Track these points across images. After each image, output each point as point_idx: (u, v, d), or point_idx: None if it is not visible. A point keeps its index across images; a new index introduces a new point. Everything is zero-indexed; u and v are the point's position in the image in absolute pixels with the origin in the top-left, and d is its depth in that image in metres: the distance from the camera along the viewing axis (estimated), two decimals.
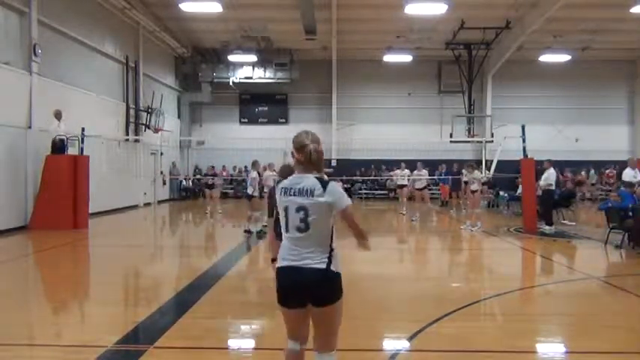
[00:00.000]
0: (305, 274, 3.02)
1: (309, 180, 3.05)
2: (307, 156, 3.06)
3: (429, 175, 17.97)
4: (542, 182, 13.30)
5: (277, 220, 3.26)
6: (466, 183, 14.92)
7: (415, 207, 16.78)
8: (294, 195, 3.05)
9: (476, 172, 14.28)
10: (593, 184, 23.86)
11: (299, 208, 3.03)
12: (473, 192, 13.98)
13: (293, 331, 3.24)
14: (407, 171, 17.76)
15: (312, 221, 3.02)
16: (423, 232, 14.31)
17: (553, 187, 13.35)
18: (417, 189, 16.75)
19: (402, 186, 17.58)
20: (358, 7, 19.84)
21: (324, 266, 3.03)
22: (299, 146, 3.09)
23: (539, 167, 13.57)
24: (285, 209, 3.09)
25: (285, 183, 3.13)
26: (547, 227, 12.87)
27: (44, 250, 10.61)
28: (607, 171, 24.11)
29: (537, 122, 22.44)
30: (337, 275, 3.08)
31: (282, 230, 3.16)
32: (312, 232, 3.03)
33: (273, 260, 3.49)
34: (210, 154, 25.09)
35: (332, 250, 3.08)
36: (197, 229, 15.48)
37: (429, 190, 18.40)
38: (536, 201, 13.39)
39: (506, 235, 12.60)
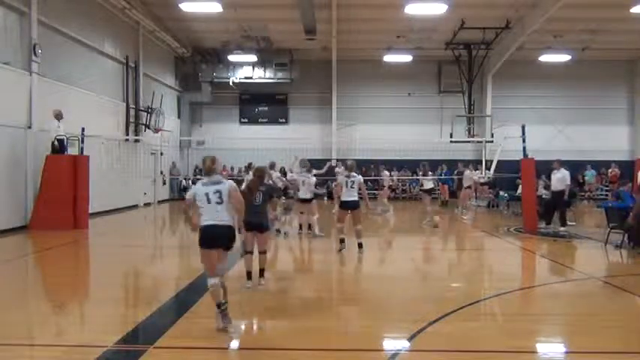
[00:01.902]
0: (221, 227, 5.29)
1: (219, 178, 5.45)
2: (209, 170, 5.46)
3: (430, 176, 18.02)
4: (556, 182, 12.84)
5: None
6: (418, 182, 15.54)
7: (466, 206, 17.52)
8: (213, 185, 5.35)
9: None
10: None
11: (216, 191, 5.31)
12: (425, 190, 15.02)
13: (212, 269, 5.28)
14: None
15: (224, 197, 5.31)
16: (422, 232, 14.30)
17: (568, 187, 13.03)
18: (467, 187, 17.24)
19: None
20: (358, 7, 19.82)
21: (230, 223, 5.38)
22: (206, 166, 5.51)
23: (551, 167, 13.28)
24: (207, 193, 5.31)
25: (206, 180, 5.40)
26: (562, 228, 12.62)
27: (44, 250, 10.61)
28: (609, 170, 24.03)
29: (537, 122, 22.45)
30: (234, 229, 5.45)
31: (203, 204, 5.31)
32: (224, 204, 5.32)
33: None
34: (210, 154, 25.04)
35: (231, 216, 5.40)
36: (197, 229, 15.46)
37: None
38: (551, 203, 13.20)
39: (506, 235, 12.60)
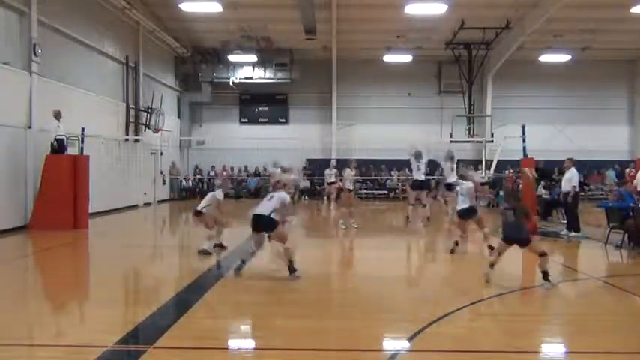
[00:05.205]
0: (262, 217, 7.47)
1: (277, 191, 7.77)
2: (275, 186, 8.17)
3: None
4: (564, 184, 12.31)
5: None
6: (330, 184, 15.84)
7: None
8: (272, 192, 7.87)
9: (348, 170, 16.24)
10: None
11: (270, 196, 7.69)
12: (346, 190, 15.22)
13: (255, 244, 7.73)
14: (335, 170, 19.46)
15: (273, 200, 7.60)
16: (421, 232, 14.29)
17: (577, 189, 12.30)
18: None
19: (331, 183, 19.25)
20: (358, 7, 19.83)
21: (268, 214, 7.44)
22: (275, 181, 8.48)
23: (562, 167, 12.84)
24: (265, 195, 8.00)
25: (270, 191, 8.10)
26: (574, 234, 11.87)
27: (44, 250, 10.61)
28: (627, 170, 23.57)
29: (537, 122, 22.36)
30: (274, 220, 7.51)
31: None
32: (271, 202, 7.57)
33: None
34: (210, 154, 25.11)
35: (272, 211, 7.48)
36: (197, 229, 15.46)
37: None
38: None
39: None
